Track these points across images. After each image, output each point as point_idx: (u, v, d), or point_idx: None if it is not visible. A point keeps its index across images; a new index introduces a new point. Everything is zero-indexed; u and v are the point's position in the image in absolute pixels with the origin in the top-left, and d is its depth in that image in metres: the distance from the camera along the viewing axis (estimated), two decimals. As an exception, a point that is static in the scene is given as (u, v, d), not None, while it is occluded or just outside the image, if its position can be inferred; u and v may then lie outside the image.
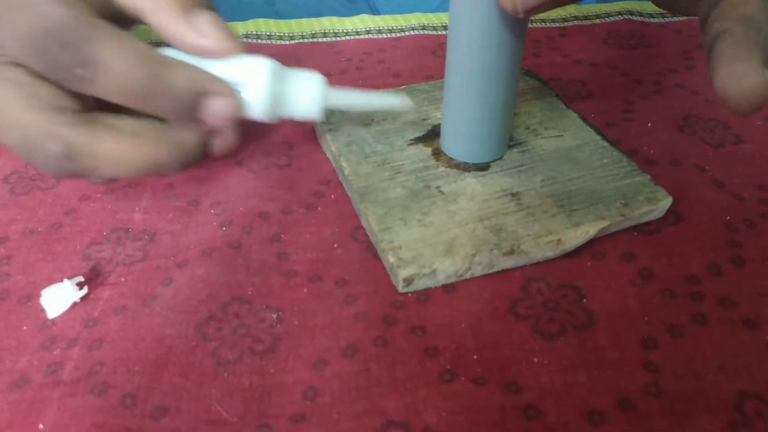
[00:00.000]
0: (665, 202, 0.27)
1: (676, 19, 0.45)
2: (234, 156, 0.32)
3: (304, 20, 0.45)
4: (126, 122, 0.26)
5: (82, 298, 0.25)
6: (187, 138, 0.27)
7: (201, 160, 0.28)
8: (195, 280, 0.26)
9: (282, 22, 0.44)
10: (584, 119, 0.32)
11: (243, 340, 0.24)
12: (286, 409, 0.22)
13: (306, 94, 0.28)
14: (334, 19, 0.45)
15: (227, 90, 0.26)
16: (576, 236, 0.26)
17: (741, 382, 0.22)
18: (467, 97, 0.28)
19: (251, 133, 0.33)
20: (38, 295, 0.25)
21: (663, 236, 0.28)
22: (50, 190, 0.30)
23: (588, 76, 0.38)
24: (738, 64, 0.21)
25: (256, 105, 0.27)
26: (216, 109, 0.26)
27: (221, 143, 0.29)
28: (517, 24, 0.26)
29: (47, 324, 0.24)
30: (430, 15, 0.45)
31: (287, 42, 0.42)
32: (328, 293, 0.25)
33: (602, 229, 0.26)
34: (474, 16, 0.25)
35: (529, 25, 0.43)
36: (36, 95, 0.24)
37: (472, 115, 0.28)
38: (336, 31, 0.44)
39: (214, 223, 0.28)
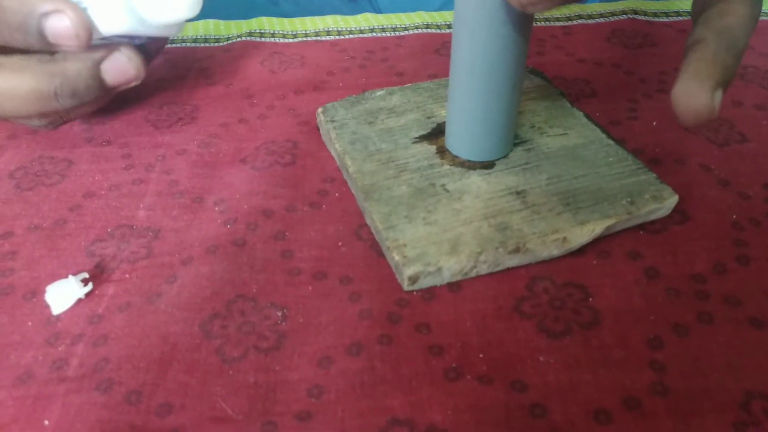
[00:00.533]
0: (671, 200, 0.27)
1: (680, 18, 0.45)
2: (238, 154, 0.32)
3: (307, 18, 0.45)
4: (13, 59, 0.26)
5: (87, 295, 0.25)
6: (69, 67, 0.27)
7: (98, 92, 0.29)
8: (199, 278, 0.26)
9: (285, 21, 0.44)
10: (589, 117, 0.32)
11: (248, 337, 0.24)
12: (291, 406, 0.21)
13: None
14: (338, 17, 0.45)
15: (63, 6, 0.26)
16: (582, 234, 0.26)
17: (747, 381, 0.22)
18: (472, 95, 0.28)
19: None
20: (43, 291, 0.25)
21: (669, 235, 0.28)
22: (55, 186, 0.30)
23: (592, 75, 0.38)
24: (694, 82, 0.23)
25: (113, 18, 0.26)
26: (56, 29, 0.26)
27: (115, 73, 0.28)
28: (521, 22, 0.25)
29: (52, 320, 0.24)
30: (434, 13, 0.45)
31: (290, 40, 0.42)
32: (332, 291, 0.25)
33: (608, 228, 0.26)
34: (478, 15, 0.25)
35: (534, 23, 0.43)
36: None
37: (477, 113, 0.28)
38: (339, 29, 0.43)
39: (219, 221, 0.28)
